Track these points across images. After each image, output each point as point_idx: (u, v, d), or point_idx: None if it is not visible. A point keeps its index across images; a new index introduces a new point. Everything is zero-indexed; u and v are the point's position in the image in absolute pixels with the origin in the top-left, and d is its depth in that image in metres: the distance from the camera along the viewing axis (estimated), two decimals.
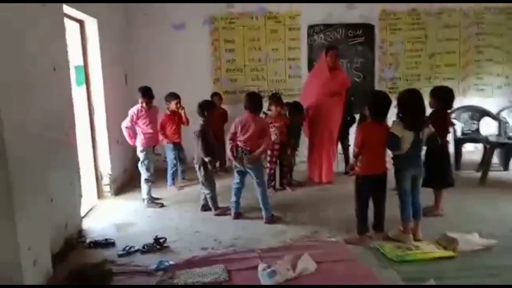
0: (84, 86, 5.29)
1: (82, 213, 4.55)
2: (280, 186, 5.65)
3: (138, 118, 5.05)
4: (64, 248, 3.74)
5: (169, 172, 5.81)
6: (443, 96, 4.38)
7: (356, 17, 7.07)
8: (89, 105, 5.35)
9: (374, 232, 3.85)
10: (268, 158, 5.47)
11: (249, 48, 7.07)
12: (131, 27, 6.75)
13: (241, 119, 4.47)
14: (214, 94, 6.61)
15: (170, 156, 5.77)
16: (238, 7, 6.93)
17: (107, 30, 5.57)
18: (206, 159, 4.58)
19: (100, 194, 5.43)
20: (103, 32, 5.42)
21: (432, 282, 2.59)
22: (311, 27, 7.07)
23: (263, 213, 4.45)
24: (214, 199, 4.73)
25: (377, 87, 7.12)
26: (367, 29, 7.12)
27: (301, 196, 5.31)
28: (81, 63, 5.24)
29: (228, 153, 4.59)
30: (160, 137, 5.54)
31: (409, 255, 3.42)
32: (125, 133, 5.12)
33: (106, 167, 5.48)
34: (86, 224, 4.43)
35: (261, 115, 4.92)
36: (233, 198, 4.58)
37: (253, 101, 4.48)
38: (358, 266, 3.36)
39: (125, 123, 5.10)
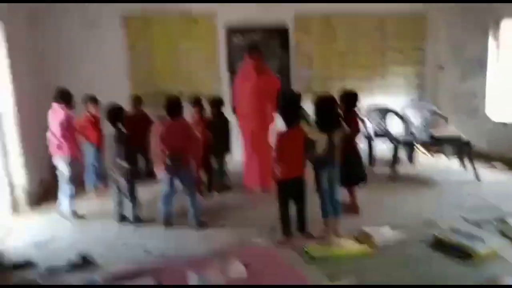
0: None
1: None
2: (208, 192, 5.68)
3: (68, 125, 4.73)
4: None
5: (88, 176, 5.60)
6: (347, 99, 4.74)
7: (272, 20, 7.28)
8: None
9: (298, 232, 4.06)
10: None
11: (167, 49, 6.97)
12: (40, 27, 6.31)
13: (164, 127, 4.45)
14: (135, 98, 6.45)
15: (89, 158, 5.54)
16: (154, 7, 6.78)
17: (14, 31, 5.22)
18: (126, 166, 4.50)
19: (15, 209, 5.06)
20: (9, 32, 5.05)
21: (352, 279, 2.83)
22: (228, 29, 7.16)
23: (192, 219, 4.49)
24: (136, 209, 4.66)
25: (294, 87, 7.41)
26: (282, 32, 7.37)
27: (229, 201, 5.37)
28: None
29: (159, 161, 4.54)
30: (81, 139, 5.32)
31: (330, 252, 3.67)
32: (55, 144, 4.73)
33: (20, 179, 5.13)
34: (1, 244, 4.13)
35: None
36: (163, 207, 4.54)
37: (171, 106, 4.47)
38: (284, 266, 3.53)
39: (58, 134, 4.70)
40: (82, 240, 4.23)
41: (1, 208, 4.83)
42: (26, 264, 3.68)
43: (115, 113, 4.60)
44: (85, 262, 3.69)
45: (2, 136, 5.02)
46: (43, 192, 5.65)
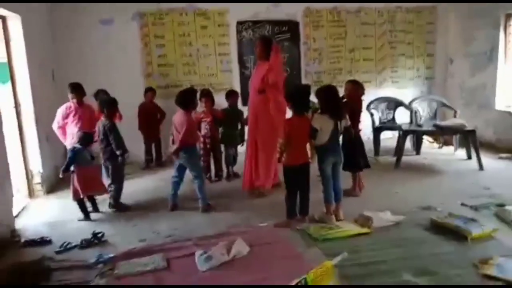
0: (9, 84, 5.17)
1: (14, 213, 4.49)
2: (216, 178, 5.88)
3: (67, 116, 5.03)
4: None
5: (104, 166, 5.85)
6: (359, 83, 4.97)
7: (282, 14, 7.43)
8: (15, 103, 5.24)
9: (300, 215, 4.22)
10: (201, 152, 5.67)
11: (179, 44, 7.18)
12: (58, 22, 6.58)
13: (175, 116, 4.67)
14: (148, 89, 6.68)
15: None
16: (167, 3, 7.00)
17: (31, 26, 5.46)
18: (118, 152, 4.66)
19: (31, 193, 5.35)
20: (28, 28, 5.30)
21: (345, 254, 2.95)
22: (239, 24, 7.32)
23: (200, 202, 4.68)
24: (119, 194, 4.83)
25: (303, 81, 7.55)
26: (292, 26, 7.51)
27: (236, 186, 5.51)
28: (5, 60, 5.11)
29: (169, 148, 4.77)
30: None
31: (331, 234, 3.80)
32: (58, 134, 5.10)
33: (36, 165, 5.40)
34: (19, 224, 4.39)
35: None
36: (171, 191, 4.76)
37: (181, 98, 4.66)
38: (286, 247, 3.68)
39: (55, 123, 5.05)
40: (95, 222, 4.48)
41: (19, 192, 5.08)
42: (42, 241, 3.92)
43: (108, 105, 4.80)
44: (97, 241, 3.91)
45: (21, 126, 5.29)
46: (58, 178, 5.89)
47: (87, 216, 4.55)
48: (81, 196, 4.51)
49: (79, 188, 4.45)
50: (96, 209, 4.74)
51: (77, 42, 6.73)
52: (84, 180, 4.47)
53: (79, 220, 4.51)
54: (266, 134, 5.03)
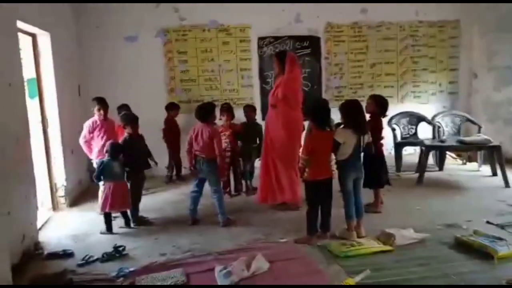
0: (37, 99, 5.31)
1: (38, 225, 4.57)
2: (235, 192, 5.89)
3: (93, 130, 5.12)
4: (22, 261, 3.78)
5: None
6: (381, 103, 4.84)
7: (303, 30, 7.47)
8: (42, 117, 5.37)
9: (321, 231, 4.17)
10: None
11: (202, 59, 7.29)
12: (84, 40, 6.79)
13: (193, 130, 4.69)
14: (170, 106, 6.80)
15: None
16: (190, 20, 7.14)
17: (59, 43, 5.63)
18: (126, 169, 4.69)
19: (55, 206, 5.45)
20: (56, 45, 5.47)
21: (368, 272, 2.90)
22: (261, 39, 7.39)
23: (219, 217, 4.68)
24: (135, 210, 4.83)
25: (324, 95, 7.54)
26: (313, 41, 7.53)
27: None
28: (34, 75, 5.26)
29: (187, 163, 4.78)
30: None
31: (352, 251, 3.74)
32: (84, 148, 5.19)
33: (60, 179, 5.51)
34: (42, 236, 4.46)
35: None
36: (191, 206, 4.77)
37: (201, 111, 4.70)
38: (306, 263, 3.64)
39: (82, 137, 5.15)
40: (116, 235, 4.52)
41: (43, 205, 5.19)
42: (64, 254, 3.98)
43: (125, 120, 4.89)
44: (118, 254, 3.94)
45: (47, 140, 5.43)
46: (81, 192, 6.01)
47: (109, 230, 4.59)
48: (107, 211, 4.56)
49: (106, 203, 4.52)
50: (128, 223, 4.76)
51: (102, 58, 6.90)
52: (112, 197, 4.52)
53: (101, 233, 4.56)
54: (279, 149, 5.02)
